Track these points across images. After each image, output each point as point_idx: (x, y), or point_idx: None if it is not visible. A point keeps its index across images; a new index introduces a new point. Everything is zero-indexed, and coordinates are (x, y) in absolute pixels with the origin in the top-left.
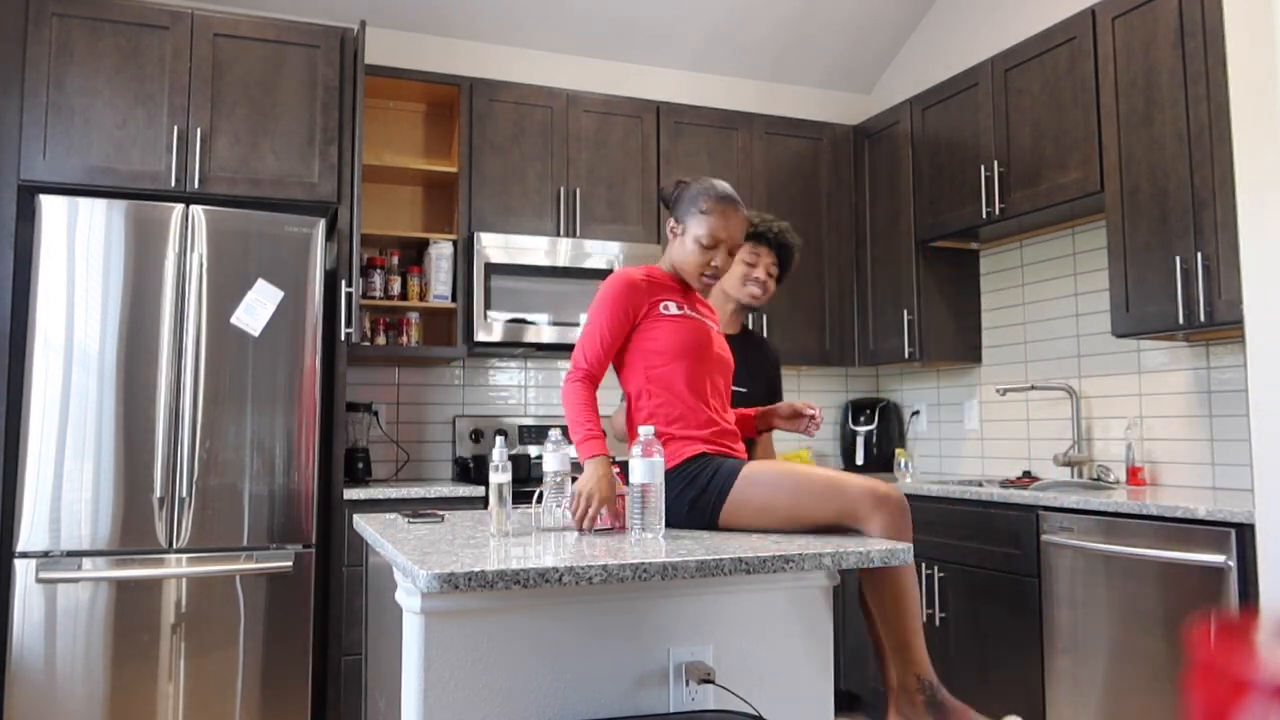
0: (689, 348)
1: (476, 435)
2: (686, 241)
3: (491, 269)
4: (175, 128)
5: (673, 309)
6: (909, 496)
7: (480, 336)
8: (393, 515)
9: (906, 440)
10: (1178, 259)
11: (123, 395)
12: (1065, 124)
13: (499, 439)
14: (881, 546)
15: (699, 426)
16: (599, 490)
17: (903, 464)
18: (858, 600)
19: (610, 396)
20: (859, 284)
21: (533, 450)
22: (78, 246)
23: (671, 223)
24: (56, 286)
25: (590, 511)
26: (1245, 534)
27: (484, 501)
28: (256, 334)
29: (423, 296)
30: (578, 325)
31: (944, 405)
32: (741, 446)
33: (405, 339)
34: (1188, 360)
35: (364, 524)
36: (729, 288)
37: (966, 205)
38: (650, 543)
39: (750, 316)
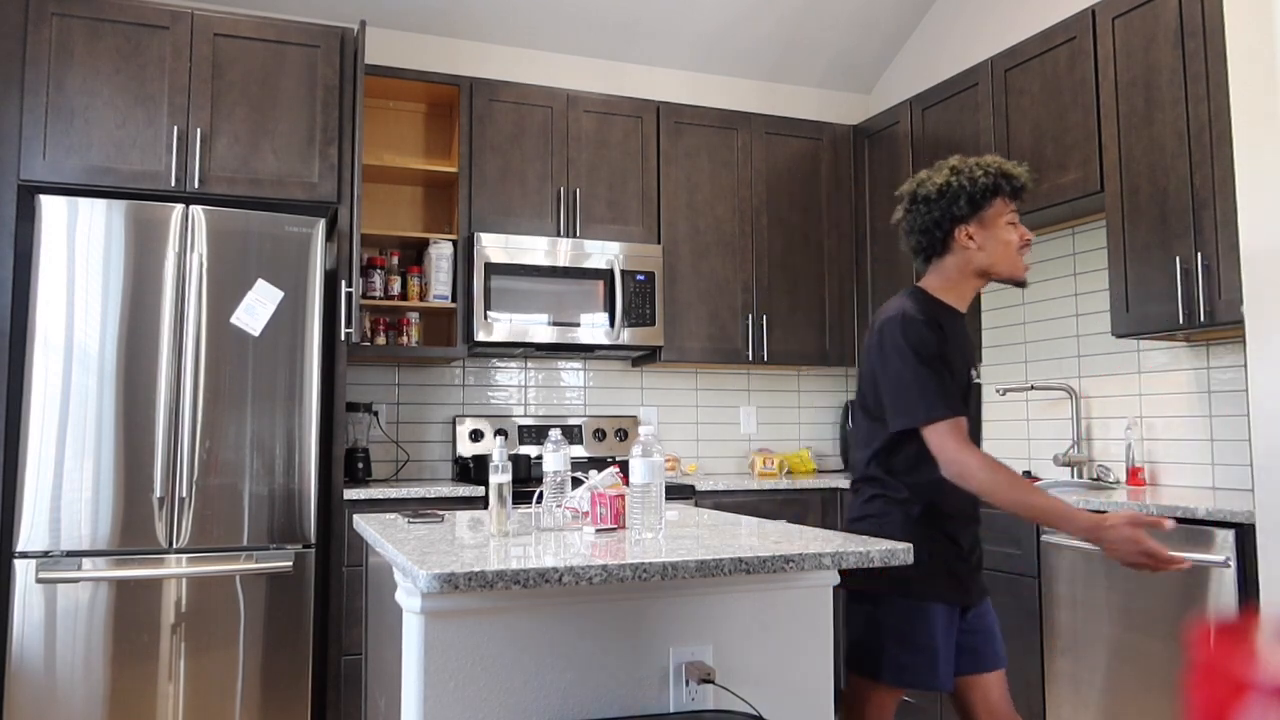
0: None
1: (476, 435)
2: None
3: (491, 269)
4: (175, 128)
5: None
6: None
7: (480, 336)
8: (393, 515)
9: None
10: (1178, 259)
11: (123, 395)
12: (1065, 124)
13: (499, 439)
14: (882, 546)
15: None
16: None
17: None
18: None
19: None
20: (859, 284)
21: (533, 450)
22: (78, 246)
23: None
24: (56, 286)
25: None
26: (1245, 534)
27: (484, 501)
28: (256, 334)
29: (423, 296)
30: (578, 325)
31: None
32: None
33: (405, 339)
34: (1188, 360)
35: (364, 524)
36: (1005, 265)
37: None
38: (650, 543)
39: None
